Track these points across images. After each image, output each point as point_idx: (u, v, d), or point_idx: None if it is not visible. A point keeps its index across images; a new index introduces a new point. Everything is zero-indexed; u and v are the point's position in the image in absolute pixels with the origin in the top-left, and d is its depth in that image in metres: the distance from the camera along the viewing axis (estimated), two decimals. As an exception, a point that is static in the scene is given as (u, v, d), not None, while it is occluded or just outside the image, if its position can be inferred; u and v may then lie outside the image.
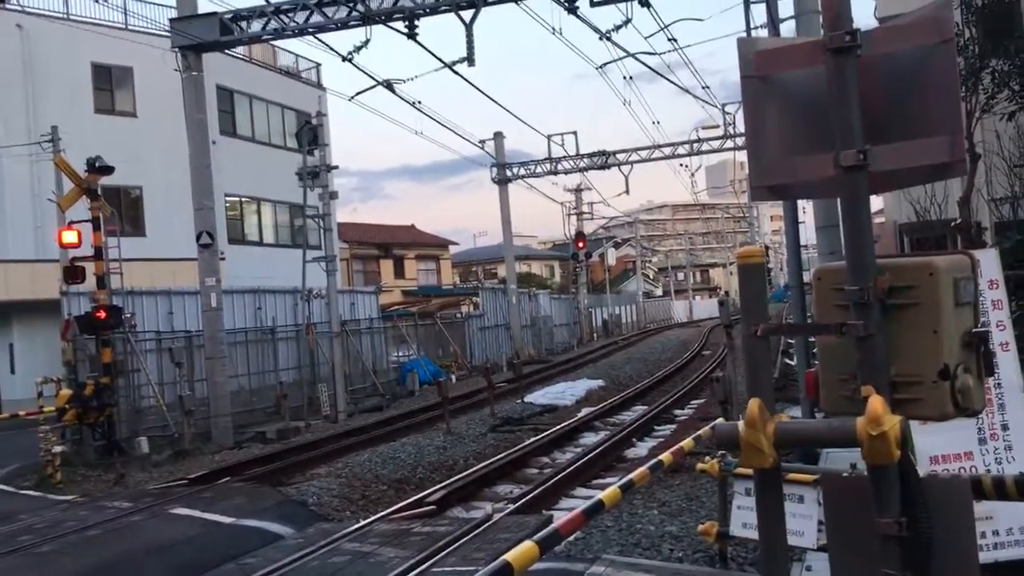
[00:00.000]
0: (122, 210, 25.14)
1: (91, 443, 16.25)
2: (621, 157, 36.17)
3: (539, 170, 37.02)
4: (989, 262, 5.64)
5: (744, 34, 11.96)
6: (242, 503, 11.23)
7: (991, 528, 5.07)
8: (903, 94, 2.83)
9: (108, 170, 16.89)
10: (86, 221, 16.66)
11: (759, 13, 11.59)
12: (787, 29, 11.35)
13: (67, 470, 14.57)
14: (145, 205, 28.33)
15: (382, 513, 10.19)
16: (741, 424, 2.81)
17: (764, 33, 11.62)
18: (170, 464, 15.71)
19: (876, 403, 2.54)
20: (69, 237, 16.59)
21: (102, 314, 15.98)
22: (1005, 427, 5.41)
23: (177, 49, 18.18)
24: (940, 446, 5.33)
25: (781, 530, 3.01)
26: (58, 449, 14.39)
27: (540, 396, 21.76)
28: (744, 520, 5.94)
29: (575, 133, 36.38)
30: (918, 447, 2.81)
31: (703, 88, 45.42)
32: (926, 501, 2.67)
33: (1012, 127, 11.09)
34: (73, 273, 16.50)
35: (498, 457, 13.59)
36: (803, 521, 5.45)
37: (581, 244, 45.83)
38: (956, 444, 5.35)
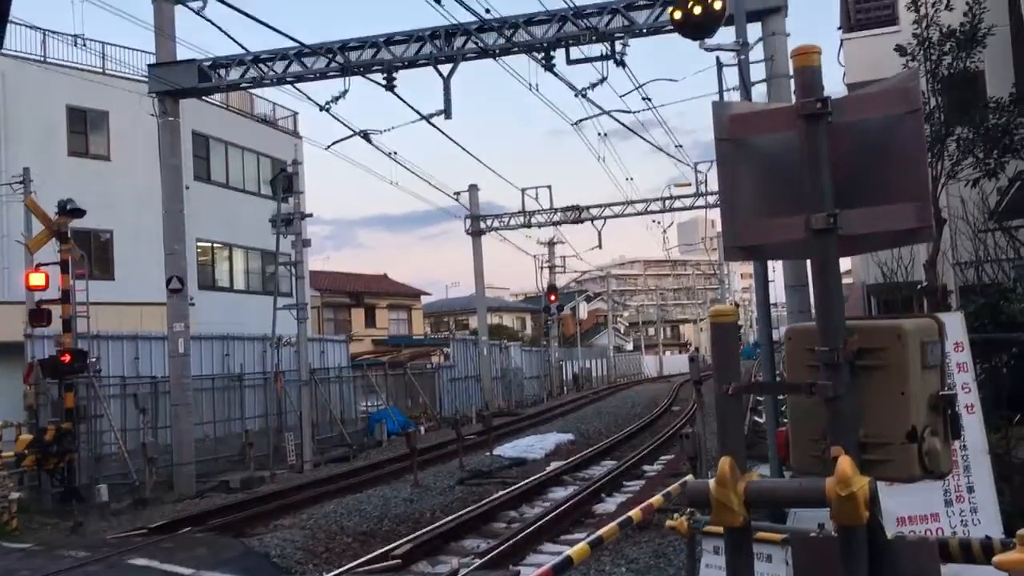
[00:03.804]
0: (92, 253, 24.87)
1: (50, 490, 15.88)
2: (594, 212, 36.52)
3: (513, 223, 37.26)
4: (955, 325, 5.73)
5: (717, 96, 12.20)
6: (203, 554, 11.00)
7: (957, 591, 5.08)
8: (872, 160, 2.91)
9: (79, 213, 16.79)
10: (54, 263, 16.50)
11: (732, 75, 11.84)
12: (758, 92, 11.61)
13: (24, 517, 14.22)
14: (115, 249, 28.09)
15: (346, 567, 10.03)
16: (712, 482, 2.82)
17: (736, 95, 11.87)
18: (130, 513, 15.38)
19: (845, 464, 2.57)
20: (36, 279, 16.40)
21: (67, 358, 15.75)
22: (971, 489, 5.45)
23: (154, 94, 18.23)
24: (907, 507, 5.36)
25: (751, 589, 3.00)
26: (15, 495, 14.06)
27: (509, 449, 21.61)
28: (713, 579, 5.90)
29: (549, 187, 36.77)
30: (885, 508, 2.84)
31: (676, 147, 46.46)
32: (894, 563, 2.68)
33: (976, 193, 11.37)
34: (39, 316, 16.29)
35: (466, 511, 13.44)
36: (771, 581, 5.42)
37: (553, 297, 45.96)
38: (923, 506, 5.39)
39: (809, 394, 2.87)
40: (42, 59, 26.64)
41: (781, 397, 9.22)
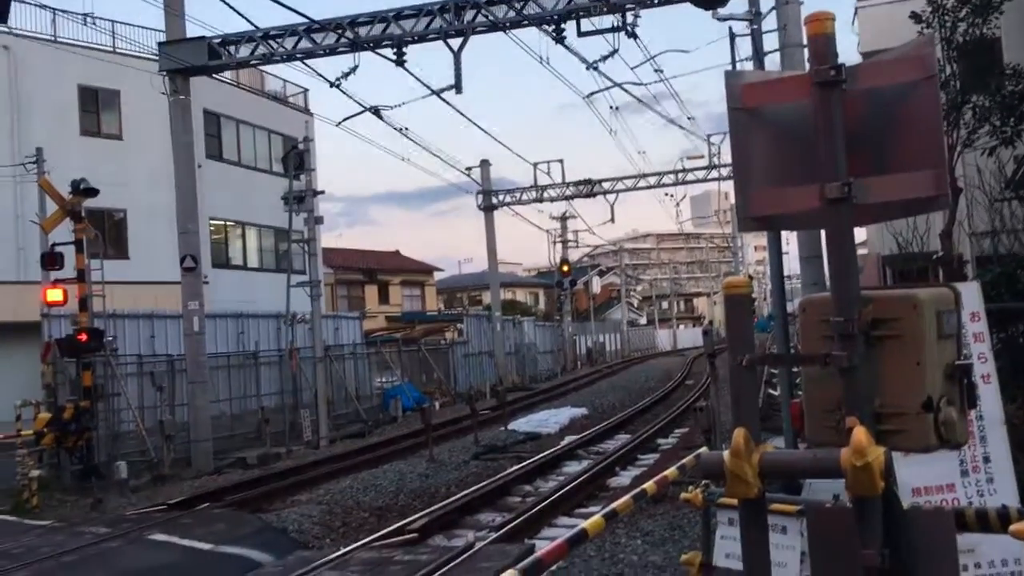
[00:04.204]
0: (106, 232, 24.98)
1: (69, 467, 16.05)
2: (607, 186, 36.37)
3: (525, 198, 37.16)
4: (971, 295, 5.68)
5: (730, 66, 12.09)
6: (221, 530, 11.11)
7: (973, 561, 5.07)
8: (887, 128, 2.87)
9: (92, 192, 16.83)
10: (69, 243, 16.57)
11: (744, 45, 11.73)
12: (772, 62, 11.49)
13: (44, 495, 14.38)
14: (129, 228, 28.21)
15: (363, 541, 10.10)
16: (726, 454, 2.81)
17: (749, 65, 11.75)
18: (149, 489, 15.54)
19: (860, 434, 2.55)
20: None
21: (84, 337, 15.85)
22: (987, 459, 5.43)
23: (165, 72, 18.21)
24: (922, 478, 5.33)
25: (765, 561, 3.00)
26: (35, 473, 14.21)
27: (524, 424, 21.68)
28: (727, 550, 5.90)
29: (561, 161, 36.62)
30: (900, 479, 2.82)
31: (688, 119, 46.27)
32: (910, 533, 2.67)
33: (993, 162, 11.25)
34: (52, 260, 16.36)
35: (481, 485, 13.52)
36: (786, 552, 5.42)
37: (566, 271, 45.91)
38: (938, 476, 5.36)
39: (824, 365, 2.85)
40: (52, 38, 26.63)
41: (796, 369, 9.20)
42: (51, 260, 16.42)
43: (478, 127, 37.09)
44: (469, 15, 16.90)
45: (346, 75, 17.96)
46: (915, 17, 11.20)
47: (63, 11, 27.81)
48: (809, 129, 2.86)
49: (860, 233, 21.68)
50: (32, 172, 22.86)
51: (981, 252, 12.40)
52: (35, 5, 25.20)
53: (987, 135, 10.96)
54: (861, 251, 23.37)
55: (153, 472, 16.56)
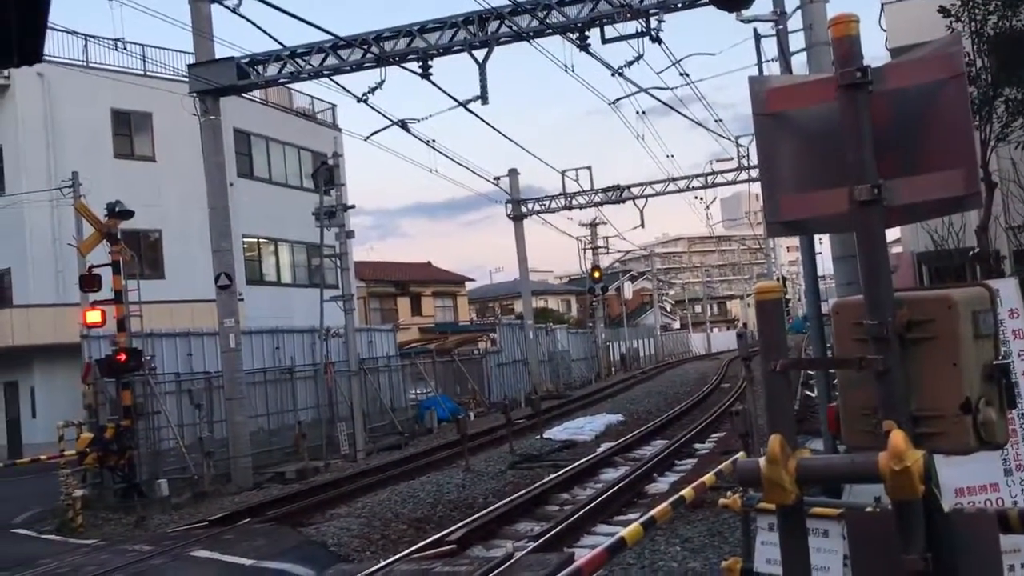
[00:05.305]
0: (141, 253, 25.33)
1: (111, 486, 16.27)
2: (635, 191, 36.23)
3: (554, 205, 37.13)
4: (1009, 291, 5.61)
5: (756, 68, 12.05)
6: (262, 545, 11.20)
7: (1019, 561, 4.99)
8: (916, 128, 2.85)
9: (128, 214, 17.08)
10: (106, 265, 16.83)
11: (770, 46, 11.69)
12: (798, 61, 11.43)
13: (88, 514, 14.58)
14: (164, 248, 28.59)
15: (403, 553, 10.13)
16: (762, 461, 2.80)
17: (776, 65, 11.70)
18: (190, 506, 15.70)
19: (898, 438, 2.53)
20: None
21: (122, 357, 16.07)
22: (1031, 458, 5.34)
23: (195, 94, 18.44)
24: (965, 478, 5.26)
25: (805, 566, 2.98)
26: (79, 493, 14.42)
27: (559, 432, 21.65)
28: (768, 556, 5.85)
29: (589, 168, 36.52)
30: (943, 479, 2.80)
31: (716, 121, 46.09)
32: (952, 536, 2.64)
33: (1027, 155, 11.09)
34: (90, 281, 16.61)
35: (518, 494, 13.50)
36: (828, 556, 5.36)
37: (597, 277, 45.78)
38: (981, 476, 5.29)
39: (859, 369, 2.83)
40: (85, 64, 27.09)
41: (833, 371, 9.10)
42: (89, 282, 16.67)
43: (505, 137, 37.20)
44: (493, 26, 16.96)
45: (373, 90, 18.07)
46: (943, 11, 11.09)
47: (94, 37, 28.30)
48: (836, 132, 2.85)
49: (894, 231, 21.41)
50: (68, 196, 23.27)
51: (1019, 246, 12.23)
52: (67, 32, 25.69)
53: (1020, 128, 10.81)
54: (895, 249, 23.08)
55: (194, 489, 16.73)
